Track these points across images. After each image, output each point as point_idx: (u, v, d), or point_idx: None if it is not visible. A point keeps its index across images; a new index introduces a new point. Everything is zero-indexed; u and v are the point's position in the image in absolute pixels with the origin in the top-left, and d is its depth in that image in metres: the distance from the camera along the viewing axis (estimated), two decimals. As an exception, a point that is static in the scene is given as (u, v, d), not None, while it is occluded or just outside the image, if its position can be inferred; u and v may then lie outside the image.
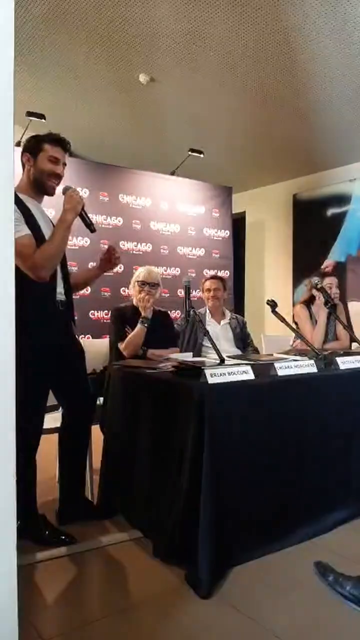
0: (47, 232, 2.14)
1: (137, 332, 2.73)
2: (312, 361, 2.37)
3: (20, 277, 1.97)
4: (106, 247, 2.47)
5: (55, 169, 2.16)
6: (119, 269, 4.88)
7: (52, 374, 2.22)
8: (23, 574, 1.76)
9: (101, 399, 2.62)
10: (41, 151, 2.14)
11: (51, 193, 2.20)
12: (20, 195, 2.10)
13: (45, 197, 2.25)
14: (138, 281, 2.88)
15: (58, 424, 2.39)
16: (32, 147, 2.16)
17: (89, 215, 2.23)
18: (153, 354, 2.76)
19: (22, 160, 2.16)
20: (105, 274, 2.53)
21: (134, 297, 2.89)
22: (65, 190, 2.17)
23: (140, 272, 2.92)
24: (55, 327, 2.18)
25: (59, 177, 2.19)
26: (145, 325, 2.74)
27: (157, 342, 2.83)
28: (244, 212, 7.16)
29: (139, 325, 2.73)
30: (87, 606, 1.75)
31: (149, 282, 2.86)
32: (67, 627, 1.59)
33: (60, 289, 2.22)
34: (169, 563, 1.94)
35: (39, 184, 2.16)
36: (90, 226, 2.22)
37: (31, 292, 2.00)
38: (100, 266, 2.45)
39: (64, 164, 2.22)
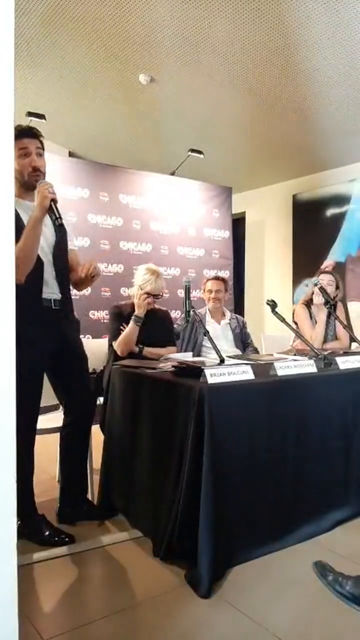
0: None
1: (130, 330, 2.72)
2: (312, 361, 2.37)
3: None
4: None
5: (30, 163, 2.11)
6: (119, 269, 4.90)
7: (44, 372, 2.21)
8: (23, 574, 1.76)
9: (101, 399, 2.63)
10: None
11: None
12: None
13: None
14: (145, 290, 2.80)
15: (58, 424, 2.39)
16: None
17: (59, 210, 2.07)
18: (150, 353, 2.77)
19: None
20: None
21: (134, 295, 2.86)
22: (37, 186, 2.10)
23: (147, 281, 2.80)
24: (43, 325, 2.14)
25: (37, 169, 2.13)
26: (138, 324, 2.73)
27: (155, 340, 2.83)
28: (244, 212, 7.16)
29: (131, 323, 2.72)
30: (87, 606, 1.75)
31: (154, 295, 2.84)
32: (67, 627, 1.59)
33: (50, 287, 2.19)
34: (169, 563, 1.94)
35: (23, 182, 2.14)
36: (56, 220, 2.07)
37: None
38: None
39: (39, 152, 2.15)
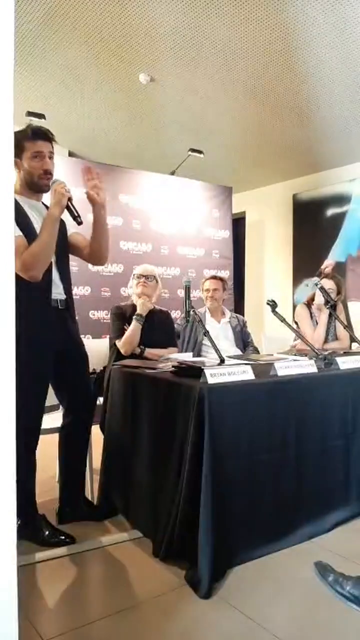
0: None
1: (133, 329, 2.73)
2: (312, 361, 2.37)
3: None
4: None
5: (42, 166, 2.11)
6: (119, 269, 4.89)
7: (51, 373, 2.21)
8: (23, 574, 1.76)
9: (101, 399, 2.63)
10: (23, 151, 2.08)
11: (46, 190, 2.17)
12: (16, 197, 2.09)
13: None
14: (135, 274, 2.97)
15: (58, 424, 2.39)
16: (14, 149, 2.12)
17: (76, 208, 2.14)
18: (151, 354, 2.77)
19: None
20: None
21: (133, 294, 2.94)
22: (51, 184, 2.12)
23: (137, 268, 3.03)
24: (52, 325, 2.17)
25: (48, 173, 2.13)
26: (140, 322, 2.74)
27: (156, 341, 2.83)
28: (244, 212, 7.16)
29: (133, 322, 2.74)
30: (87, 606, 1.75)
31: (145, 275, 2.92)
32: (67, 627, 1.59)
33: (57, 288, 2.20)
34: (169, 563, 1.94)
35: (31, 184, 2.14)
36: (76, 218, 2.13)
37: (24, 291, 1.99)
38: (90, 202, 2.24)
39: (51, 155, 2.15)
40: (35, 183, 2.14)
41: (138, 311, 2.78)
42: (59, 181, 2.12)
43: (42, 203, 2.25)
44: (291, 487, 2.15)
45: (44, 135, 2.13)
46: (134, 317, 2.75)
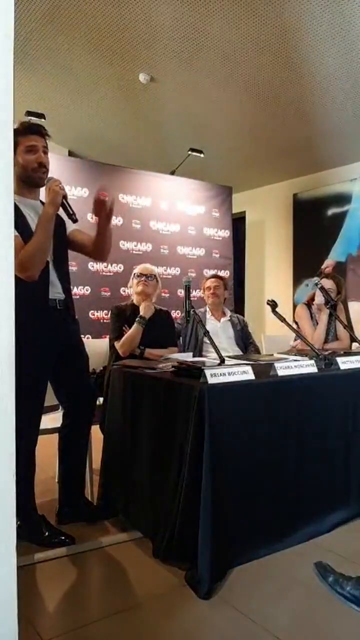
0: None
1: (134, 331, 2.73)
2: (312, 361, 2.37)
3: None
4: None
5: (36, 159, 2.11)
6: (119, 268, 4.89)
7: (50, 373, 2.21)
8: (23, 575, 1.76)
9: (101, 399, 2.62)
10: (17, 146, 2.08)
11: (41, 184, 2.16)
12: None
13: None
14: (135, 273, 2.98)
15: (58, 424, 2.39)
16: None
17: (71, 206, 2.13)
18: (151, 354, 2.77)
19: None
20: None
21: (133, 293, 2.95)
22: (46, 182, 2.12)
23: (136, 268, 3.04)
24: (51, 325, 2.16)
25: (42, 166, 2.13)
26: (142, 325, 2.74)
27: (156, 341, 2.83)
28: (244, 212, 7.16)
29: (135, 325, 2.73)
30: (87, 606, 1.75)
31: (145, 274, 2.93)
32: (67, 627, 1.59)
33: (55, 287, 2.19)
34: (169, 563, 1.94)
35: (26, 179, 2.13)
36: (72, 216, 2.13)
37: (23, 292, 1.98)
38: (97, 216, 2.28)
39: (45, 150, 2.15)
40: (29, 176, 2.13)
41: (142, 314, 2.77)
42: (53, 179, 2.11)
43: (40, 201, 2.24)
44: (291, 487, 2.15)
45: (37, 130, 2.14)
46: (136, 319, 2.75)
